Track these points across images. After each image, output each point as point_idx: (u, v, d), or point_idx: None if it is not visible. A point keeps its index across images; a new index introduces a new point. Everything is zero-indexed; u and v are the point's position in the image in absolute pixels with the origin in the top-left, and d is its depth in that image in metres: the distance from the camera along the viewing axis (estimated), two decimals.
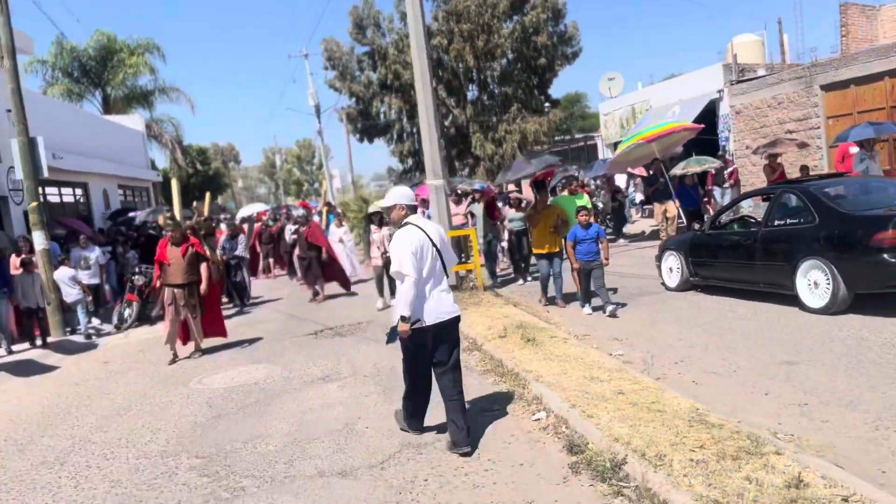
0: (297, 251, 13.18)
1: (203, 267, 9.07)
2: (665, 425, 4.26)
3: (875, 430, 4.18)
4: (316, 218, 17.49)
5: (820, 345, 6.14)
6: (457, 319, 4.80)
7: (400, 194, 4.95)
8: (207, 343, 9.28)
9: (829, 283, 6.99)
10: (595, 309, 8.73)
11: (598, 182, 18.45)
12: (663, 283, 9.73)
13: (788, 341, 6.37)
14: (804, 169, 12.60)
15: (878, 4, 20.68)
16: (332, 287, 13.04)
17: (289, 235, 15.12)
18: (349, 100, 37.88)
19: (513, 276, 12.46)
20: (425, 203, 12.63)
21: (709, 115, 16.97)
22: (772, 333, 6.73)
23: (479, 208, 12.36)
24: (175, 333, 8.85)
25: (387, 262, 10.02)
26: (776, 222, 7.84)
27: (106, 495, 4.59)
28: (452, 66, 35.23)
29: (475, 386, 6.04)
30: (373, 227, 11.09)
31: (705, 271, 8.97)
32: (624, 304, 8.83)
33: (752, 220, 8.64)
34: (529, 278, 11.79)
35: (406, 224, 4.80)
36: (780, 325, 7.00)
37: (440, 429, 4.98)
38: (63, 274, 11.44)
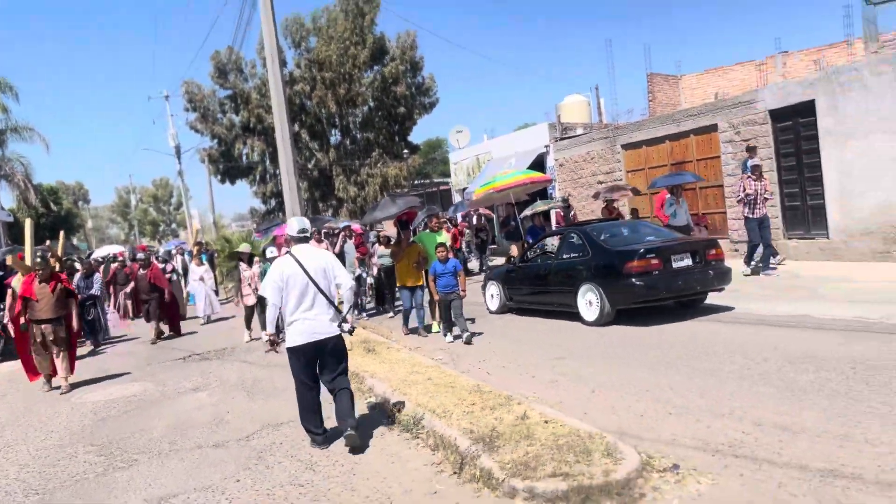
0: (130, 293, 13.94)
1: (72, 302, 9.78)
2: (454, 395, 6.11)
3: (591, 392, 6.25)
4: (186, 257, 18.11)
5: (585, 346, 8.32)
6: (332, 338, 5.48)
7: (289, 226, 5.88)
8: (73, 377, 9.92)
9: (598, 302, 9.29)
10: (456, 337, 9.48)
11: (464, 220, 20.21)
12: (487, 307, 11.81)
13: (565, 345, 8.51)
14: (634, 212, 15.25)
15: (679, 74, 24.80)
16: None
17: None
18: (211, 141, 38.37)
19: (378, 310, 13.64)
20: (305, 239, 14.01)
21: (538, 165, 19.73)
22: (555, 340, 8.88)
23: (351, 245, 13.30)
24: (47, 367, 9.41)
25: (260, 298, 10.84)
26: (564, 256, 10.14)
27: (18, 473, 5.77)
28: (315, 111, 36.84)
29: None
30: (242, 265, 11.81)
31: (517, 296, 11.14)
32: (480, 333, 9.86)
33: (551, 255, 10.92)
34: (385, 310, 13.28)
35: (286, 254, 5.67)
36: (563, 334, 9.18)
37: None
38: None
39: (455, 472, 4.65)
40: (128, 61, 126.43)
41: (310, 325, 5.43)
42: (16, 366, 11.84)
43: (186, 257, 18.19)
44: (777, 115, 13.26)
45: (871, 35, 16.11)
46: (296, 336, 5.43)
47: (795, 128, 12.98)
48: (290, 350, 5.51)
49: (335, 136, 38.67)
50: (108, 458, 5.97)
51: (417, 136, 46.32)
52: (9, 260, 14.97)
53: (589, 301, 9.46)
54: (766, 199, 12.07)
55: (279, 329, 5.79)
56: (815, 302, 9.19)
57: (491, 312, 11.63)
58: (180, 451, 5.94)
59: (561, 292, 10.01)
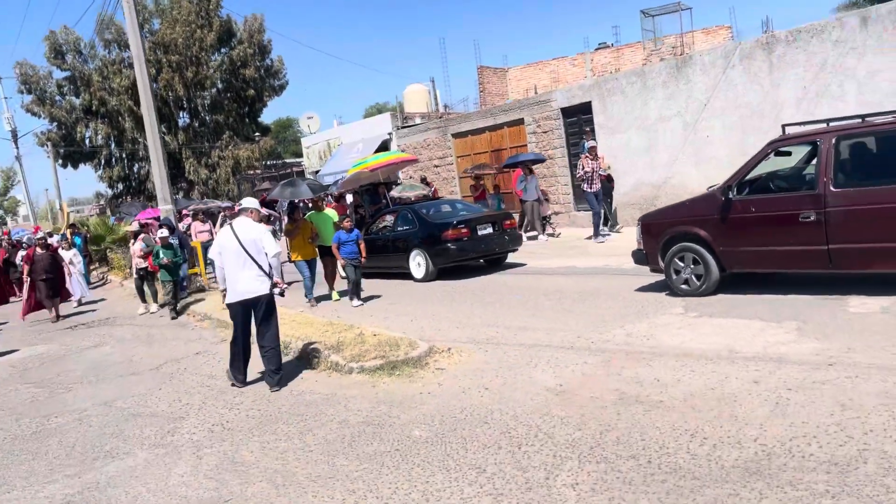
0: (29, 275, 14.88)
1: None
2: (312, 328, 8.66)
3: (410, 321, 9.02)
4: (56, 239, 18.75)
5: (412, 295, 11.12)
6: (263, 296, 6.57)
7: (244, 202, 7.09)
8: None
9: (424, 263, 12.13)
10: (362, 300, 10.87)
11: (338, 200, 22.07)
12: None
13: (398, 295, 11.26)
14: (496, 188, 17.71)
15: (506, 66, 28.28)
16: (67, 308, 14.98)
17: (19, 261, 16.82)
18: (50, 124, 37.58)
19: None
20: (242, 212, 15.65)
21: (382, 150, 22.37)
22: (392, 292, 11.61)
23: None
24: None
25: (147, 273, 12.60)
26: (398, 228, 12.90)
27: None
28: (162, 94, 36.97)
29: (208, 338, 9.92)
30: (131, 242, 13.40)
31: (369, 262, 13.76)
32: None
33: (389, 228, 13.59)
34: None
35: (227, 225, 7.00)
36: (399, 289, 11.93)
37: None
38: None
39: (314, 368, 7.24)
40: None
41: (243, 285, 6.55)
42: None
43: (56, 240, 18.99)
44: (566, 112, 16.79)
45: (647, 42, 20.14)
46: (232, 294, 6.65)
47: (579, 122, 16.57)
48: (229, 305, 6.76)
49: (183, 119, 39.05)
50: (48, 388, 7.99)
51: (268, 117, 47.28)
52: None
53: (418, 263, 12.29)
54: (600, 175, 14.06)
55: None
56: (583, 257, 12.59)
57: (342, 278, 14.17)
58: (106, 379, 8.08)
59: (397, 257, 12.76)
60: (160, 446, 5.48)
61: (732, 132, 12.91)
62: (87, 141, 38.59)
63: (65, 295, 14.77)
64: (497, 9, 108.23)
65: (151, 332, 11.01)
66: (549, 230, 15.89)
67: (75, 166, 39.19)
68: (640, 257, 8.79)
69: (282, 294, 6.94)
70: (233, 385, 6.91)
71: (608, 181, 15.02)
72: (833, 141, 6.99)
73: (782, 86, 12.23)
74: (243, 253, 6.53)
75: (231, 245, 6.58)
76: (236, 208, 7.83)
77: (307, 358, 7.54)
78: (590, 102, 15.97)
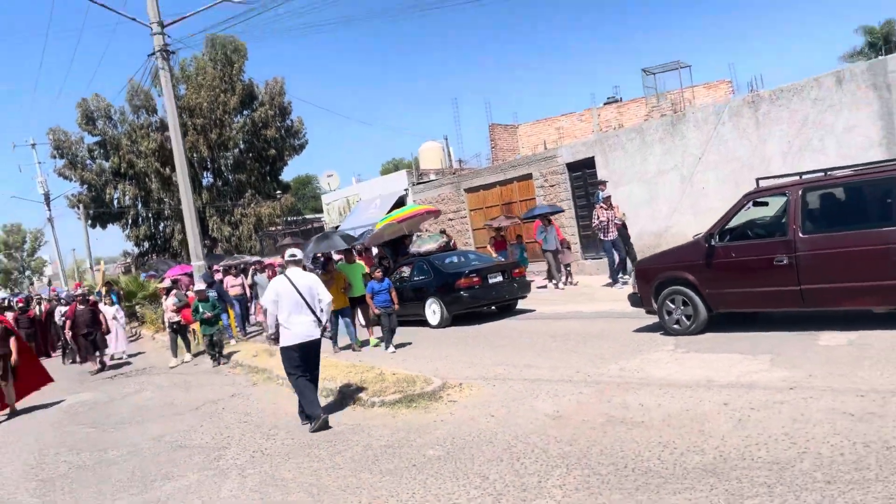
0: (71, 330, 15.77)
1: (12, 340, 11.28)
2: (343, 371, 9.52)
3: (426, 361, 9.85)
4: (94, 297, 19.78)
5: (428, 339, 11.96)
6: (315, 341, 7.21)
7: (287, 254, 7.78)
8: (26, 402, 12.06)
9: (439, 310, 13.00)
10: (397, 347, 11.38)
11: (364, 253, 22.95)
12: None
13: (415, 340, 12.11)
14: (519, 238, 18.35)
15: (516, 123, 29.59)
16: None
17: (59, 317, 17.81)
18: (80, 187, 39.29)
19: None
20: (297, 263, 16.76)
21: (399, 206, 23.47)
22: (409, 338, 12.45)
23: (262, 277, 16.05)
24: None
25: (180, 326, 13.54)
26: (415, 278, 13.82)
27: (52, 441, 8.55)
28: (188, 155, 38.57)
29: (241, 383, 10.80)
30: (163, 297, 14.38)
31: None
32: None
33: (406, 278, 14.51)
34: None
35: (281, 274, 7.58)
36: (416, 335, 12.78)
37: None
38: None
39: (341, 403, 8.09)
40: None
41: (300, 329, 7.11)
42: None
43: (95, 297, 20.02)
44: (571, 167, 17.84)
45: (649, 97, 21.27)
46: (290, 338, 7.14)
47: (584, 176, 17.59)
48: (284, 349, 7.21)
49: (207, 179, 40.67)
50: (99, 428, 8.89)
51: (287, 174, 48.86)
52: None
53: (433, 310, 13.17)
54: (615, 224, 14.74)
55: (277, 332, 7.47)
56: (590, 303, 13.41)
57: (361, 325, 15.09)
58: (151, 419, 8.97)
59: (414, 305, 13.64)
60: (208, 469, 6.33)
61: (726, 184, 13.79)
62: (115, 202, 40.22)
63: (103, 345, 15.58)
64: (507, 68, 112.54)
65: (188, 378, 11.93)
66: (570, 279, 16.53)
67: (104, 226, 40.75)
68: (635, 300, 9.62)
69: (331, 338, 7.51)
70: (306, 423, 7.13)
71: (624, 228, 15.60)
72: (800, 192, 7.88)
73: (769, 141, 13.18)
74: (301, 299, 7.16)
75: (288, 292, 7.18)
76: (281, 261, 8.61)
77: (334, 395, 8.39)
78: (593, 157, 17.01)
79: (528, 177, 19.10)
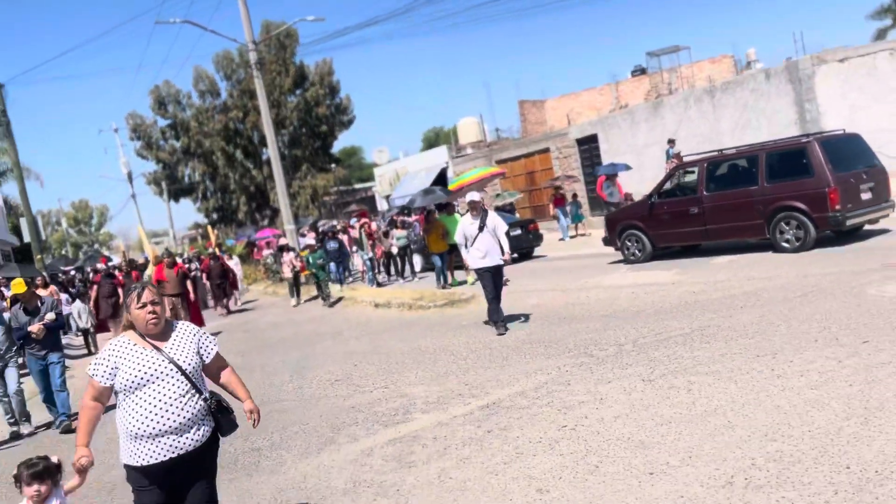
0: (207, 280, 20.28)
1: (188, 283, 16.32)
2: (417, 293, 14.30)
3: (464, 290, 14.58)
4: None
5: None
6: (501, 265, 9.24)
7: (469, 195, 9.95)
8: None
9: None
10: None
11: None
12: None
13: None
14: (574, 196, 22.70)
15: (543, 98, 33.79)
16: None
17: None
18: (156, 165, 44.89)
19: (398, 279, 18.25)
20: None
21: (441, 177, 28.11)
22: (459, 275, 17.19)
23: (333, 242, 19.15)
24: None
25: (294, 274, 17.48)
26: None
27: None
28: (248, 134, 43.90)
29: (338, 307, 15.73)
30: (283, 253, 17.93)
31: None
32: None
33: None
34: (412, 278, 17.89)
35: (466, 214, 9.35)
36: (458, 277, 17.52)
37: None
38: None
39: (409, 309, 12.89)
40: (76, 97, 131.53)
41: (488, 256, 9.10)
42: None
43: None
44: (580, 142, 22.22)
45: (652, 76, 25.32)
46: (479, 260, 9.17)
47: (590, 150, 21.94)
48: (478, 270, 9.28)
49: (267, 155, 45.84)
50: (251, 333, 13.87)
51: (337, 147, 53.78)
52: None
53: None
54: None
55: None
56: (587, 248, 17.91)
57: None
58: (283, 326, 13.92)
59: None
60: (335, 339, 11.23)
61: (692, 154, 17.98)
62: (186, 178, 45.73)
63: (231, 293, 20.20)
64: (536, 48, 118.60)
65: (301, 308, 16.93)
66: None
67: (177, 200, 46.42)
68: (606, 241, 14.17)
69: (511, 261, 9.85)
70: (499, 333, 9.10)
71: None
72: (705, 165, 12.30)
73: (722, 120, 17.37)
74: (487, 233, 9.11)
75: (473, 230, 9.13)
76: (464, 202, 10.62)
77: (413, 305, 13.22)
78: (596, 134, 21.37)
79: (546, 150, 23.53)
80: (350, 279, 19.56)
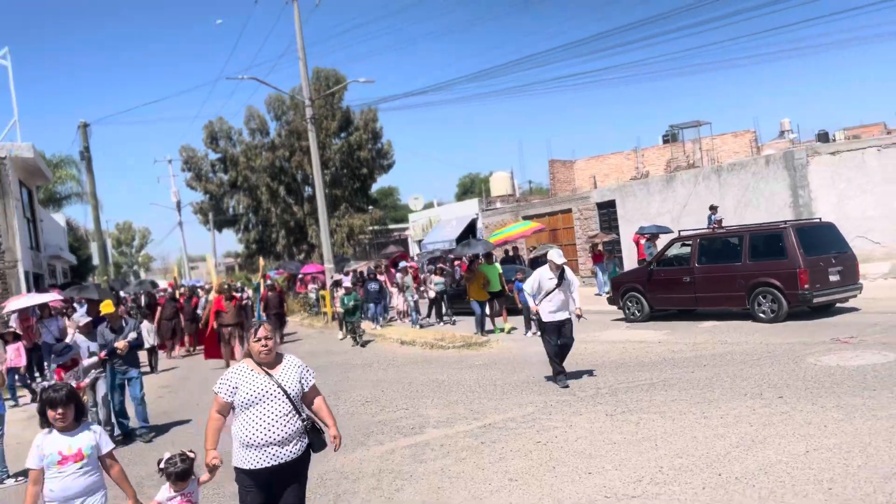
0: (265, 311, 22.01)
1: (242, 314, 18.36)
2: (444, 335, 16.19)
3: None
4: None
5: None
6: (569, 318, 9.67)
7: (551, 255, 9.82)
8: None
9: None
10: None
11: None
12: None
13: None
14: (610, 251, 24.79)
15: (573, 159, 35.85)
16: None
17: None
18: (203, 196, 47.69)
19: (433, 322, 19.14)
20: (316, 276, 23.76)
21: (471, 227, 30.19)
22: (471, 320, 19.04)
23: (409, 279, 20.43)
24: (227, 354, 17.85)
25: (346, 309, 19.04)
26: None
27: None
28: (293, 172, 46.54)
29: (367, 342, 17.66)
30: (336, 288, 19.62)
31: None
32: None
33: None
34: (448, 321, 18.76)
35: (543, 267, 9.83)
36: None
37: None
38: None
39: (430, 348, 14.75)
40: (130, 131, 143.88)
41: (560, 311, 9.64)
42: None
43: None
44: (600, 206, 24.11)
45: (674, 146, 27.25)
46: (549, 314, 9.64)
47: (609, 214, 23.81)
48: (547, 323, 9.69)
49: (308, 192, 48.40)
50: None
51: (374, 187, 56.35)
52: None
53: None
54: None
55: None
56: (598, 305, 19.63)
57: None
58: (320, 354, 15.85)
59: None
60: (365, 370, 13.10)
61: (699, 225, 19.73)
62: (230, 210, 48.40)
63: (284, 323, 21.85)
64: (567, 113, 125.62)
65: (330, 346, 18.86)
66: None
67: (220, 230, 49.04)
68: (611, 300, 15.95)
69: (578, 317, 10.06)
70: (564, 386, 9.50)
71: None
72: (698, 240, 14.11)
73: (726, 197, 19.14)
74: (563, 289, 9.63)
75: (552, 282, 9.57)
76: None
77: (435, 345, 15.07)
78: (614, 200, 23.28)
79: (569, 210, 25.46)
80: (387, 317, 20.62)
